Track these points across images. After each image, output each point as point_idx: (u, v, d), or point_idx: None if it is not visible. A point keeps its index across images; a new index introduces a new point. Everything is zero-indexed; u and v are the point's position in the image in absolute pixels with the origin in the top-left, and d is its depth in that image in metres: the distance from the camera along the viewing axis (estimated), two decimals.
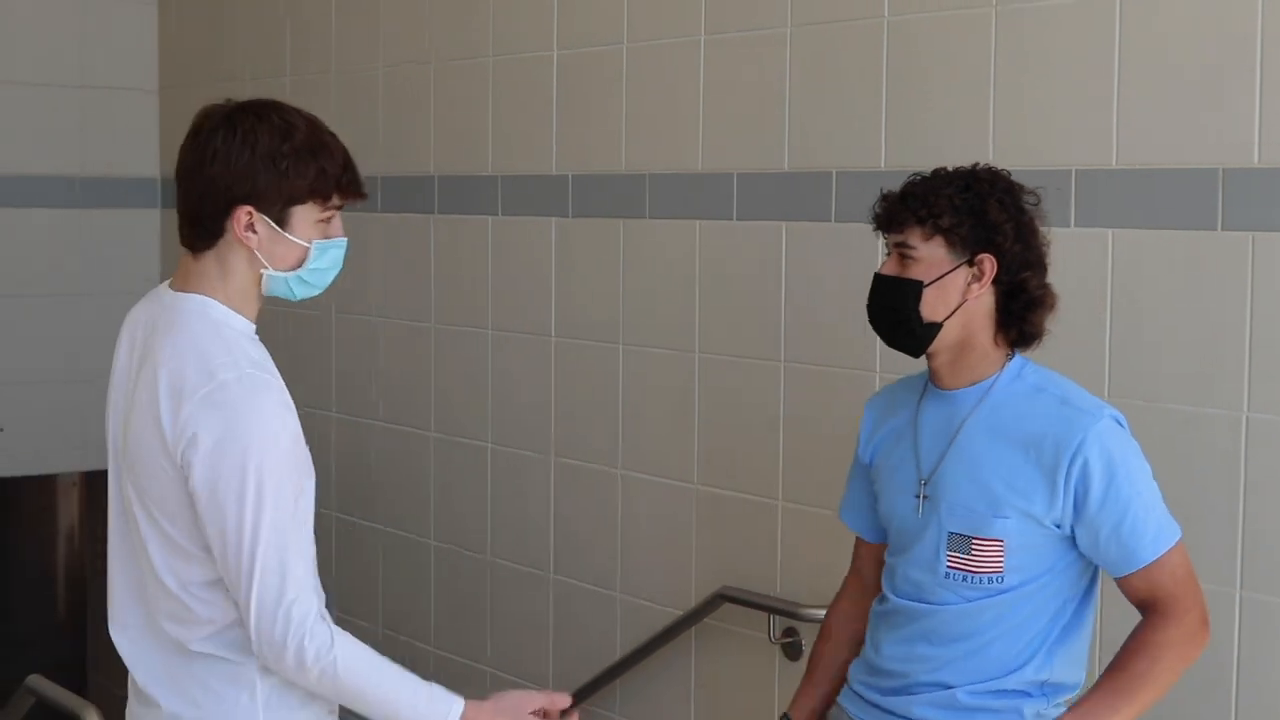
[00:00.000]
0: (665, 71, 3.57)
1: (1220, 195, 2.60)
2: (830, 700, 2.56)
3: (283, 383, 2.14)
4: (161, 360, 2.12)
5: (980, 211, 2.29)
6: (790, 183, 3.29)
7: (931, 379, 2.40)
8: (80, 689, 5.50)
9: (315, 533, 2.18)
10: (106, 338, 5.74)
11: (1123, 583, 2.31)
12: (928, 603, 2.35)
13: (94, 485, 5.99)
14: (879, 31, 3.10)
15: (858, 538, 2.59)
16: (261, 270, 2.16)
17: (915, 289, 2.29)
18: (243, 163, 2.10)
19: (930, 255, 2.29)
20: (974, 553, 2.29)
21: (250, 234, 2.14)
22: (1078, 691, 2.37)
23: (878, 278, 2.35)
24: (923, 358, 2.38)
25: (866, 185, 2.62)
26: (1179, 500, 2.67)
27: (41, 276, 5.26)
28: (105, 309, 5.38)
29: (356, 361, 4.57)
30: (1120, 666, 2.28)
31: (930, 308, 2.29)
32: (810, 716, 2.59)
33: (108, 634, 2.28)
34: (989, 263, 2.29)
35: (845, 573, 2.63)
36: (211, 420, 2.06)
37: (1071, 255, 2.79)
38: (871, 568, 2.54)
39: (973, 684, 2.32)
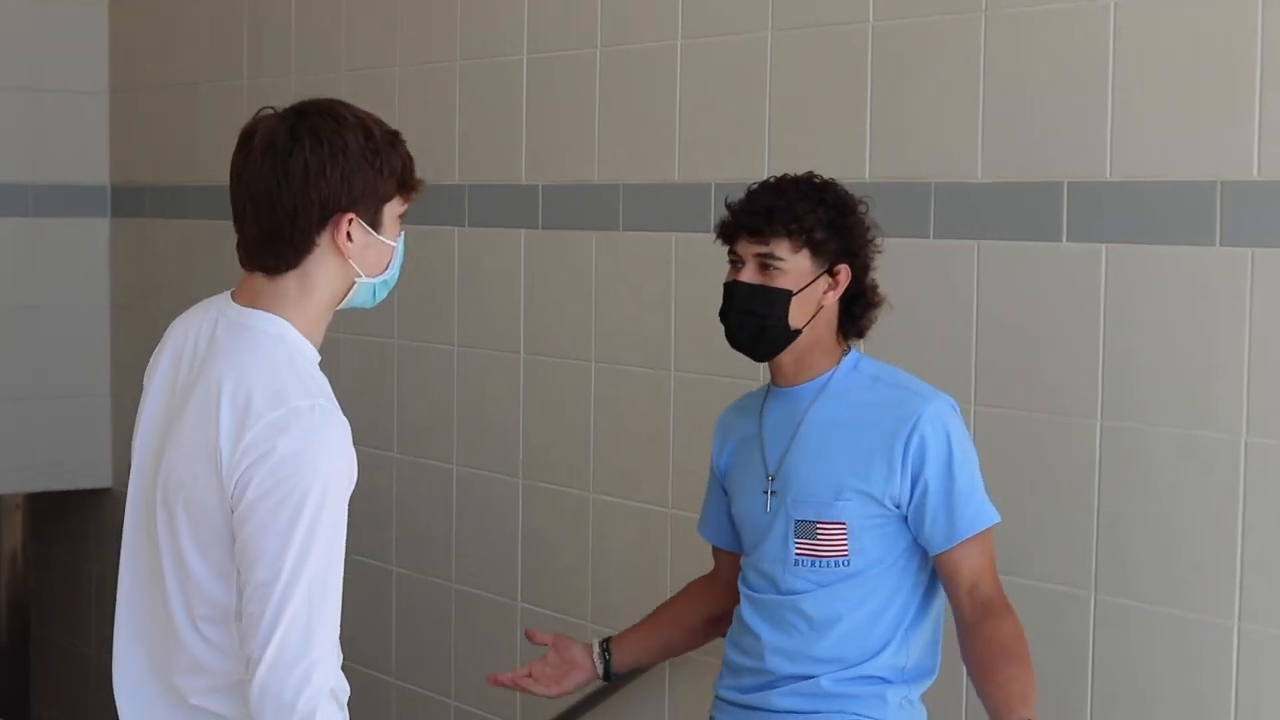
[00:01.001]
0: (640, 77, 3.54)
1: (1219, 209, 2.57)
2: (652, 651, 2.81)
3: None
4: (223, 378, 2.00)
5: (842, 226, 2.48)
6: None
7: (774, 379, 2.57)
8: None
9: None
10: (52, 352, 5.60)
11: (942, 559, 2.45)
12: (781, 593, 2.49)
13: (38, 507, 5.88)
14: (863, 37, 3.06)
15: (714, 547, 2.74)
16: (356, 279, 2.10)
17: (784, 298, 2.45)
18: (338, 170, 2.02)
19: (797, 266, 2.46)
20: (819, 537, 2.45)
21: (348, 242, 2.05)
22: (935, 677, 2.52)
23: (741, 285, 2.49)
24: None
25: None
26: (1174, 526, 2.66)
27: None
28: (52, 322, 5.27)
29: None
30: (1012, 658, 2.37)
31: (795, 316, 2.47)
32: (633, 651, 2.76)
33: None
34: (845, 273, 2.50)
35: None
36: (276, 447, 1.94)
37: (1064, 271, 2.79)
38: (729, 571, 2.69)
39: (835, 672, 2.45)
